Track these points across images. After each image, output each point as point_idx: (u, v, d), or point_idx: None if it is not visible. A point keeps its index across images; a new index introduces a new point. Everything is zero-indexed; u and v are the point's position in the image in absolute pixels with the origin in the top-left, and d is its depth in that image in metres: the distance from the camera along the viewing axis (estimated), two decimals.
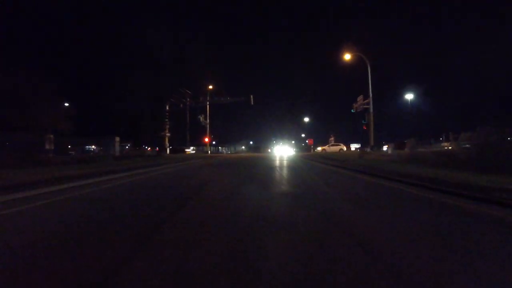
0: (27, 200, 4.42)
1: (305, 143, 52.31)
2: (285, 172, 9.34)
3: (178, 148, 33.18)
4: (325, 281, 1.68)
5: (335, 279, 1.69)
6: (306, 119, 56.49)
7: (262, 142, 77.05)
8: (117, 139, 21.67)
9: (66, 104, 29.83)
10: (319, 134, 61.56)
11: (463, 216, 3.25)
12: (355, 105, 25.69)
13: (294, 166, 12.48)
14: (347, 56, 23.17)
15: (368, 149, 19.60)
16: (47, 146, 16.80)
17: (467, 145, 11.19)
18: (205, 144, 39.73)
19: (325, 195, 4.74)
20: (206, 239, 2.46)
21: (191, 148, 39.97)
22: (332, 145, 33.86)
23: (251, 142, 78.94)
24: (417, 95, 35.77)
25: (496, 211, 3.41)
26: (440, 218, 3.20)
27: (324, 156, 22.03)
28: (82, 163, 13.13)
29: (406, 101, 35.38)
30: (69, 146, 21.18)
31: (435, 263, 1.92)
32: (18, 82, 16.31)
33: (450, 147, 16.85)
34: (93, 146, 24.50)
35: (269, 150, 57.49)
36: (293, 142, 71.80)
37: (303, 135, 65.94)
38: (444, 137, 27.89)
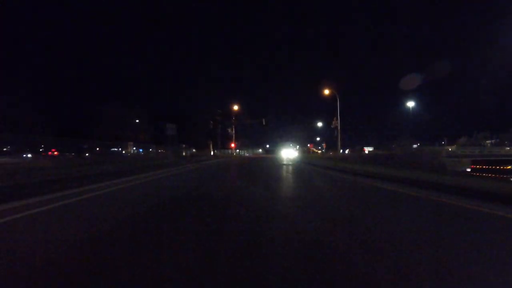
0: (190, 165, 18.53)
1: (308, 147, 65.24)
2: (273, 161, 23.03)
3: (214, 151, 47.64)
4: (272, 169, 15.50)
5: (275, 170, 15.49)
6: (320, 124, 69.35)
7: (276, 146, 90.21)
8: (183, 145, 36.24)
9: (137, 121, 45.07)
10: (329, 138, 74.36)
11: (339, 172, 16.73)
12: (333, 122, 38.70)
13: (278, 159, 26.21)
14: (326, 91, 36.25)
15: (332, 152, 32.73)
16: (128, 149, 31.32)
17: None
18: (231, 148, 54.00)
19: (279, 163, 18.45)
20: (254, 164, 16.30)
21: (222, 151, 54.42)
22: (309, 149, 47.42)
23: (267, 146, 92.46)
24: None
25: (346, 174, 16.96)
26: (320, 175, 16.78)
27: (300, 155, 35.40)
28: (176, 157, 27.32)
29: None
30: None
31: (310, 179, 15.61)
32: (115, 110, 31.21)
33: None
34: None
35: (281, 153, 70.32)
36: (308, 145, 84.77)
37: (318, 139, 78.65)
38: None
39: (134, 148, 27.20)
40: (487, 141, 72.20)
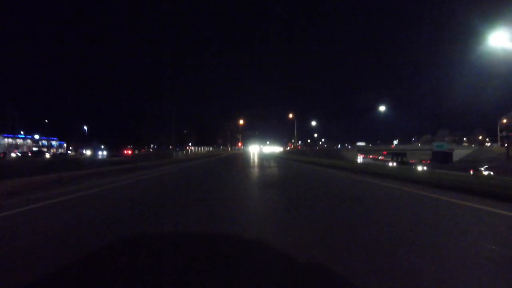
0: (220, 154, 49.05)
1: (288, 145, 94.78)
2: (261, 153, 53.38)
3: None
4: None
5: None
6: (314, 123, 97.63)
7: (274, 142, 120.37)
8: (215, 146, 66.36)
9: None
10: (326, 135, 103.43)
11: (289, 161, 47.00)
12: (296, 133, 68.66)
13: (264, 152, 56.71)
14: (290, 115, 66.16)
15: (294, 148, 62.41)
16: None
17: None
18: (239, 147, 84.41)
19: (247, 154, 48.91)
20: (251, 153, 46.74)
21: (233, 148, 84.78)
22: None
23: (267, 142, 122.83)
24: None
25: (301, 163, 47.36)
26: (275, 160, 47.10)
27: (280, 150, 65.40)
28: (219, 151, 57.54)
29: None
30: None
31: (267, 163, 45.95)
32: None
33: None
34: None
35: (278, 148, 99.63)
36: (288, 144, 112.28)
37: (316, 135, 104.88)
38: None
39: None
40: (446, 138, 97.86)
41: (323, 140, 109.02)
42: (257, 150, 75.34)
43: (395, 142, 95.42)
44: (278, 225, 3.31)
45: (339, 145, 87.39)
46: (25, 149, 57.45)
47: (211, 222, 3.40)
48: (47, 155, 39.63)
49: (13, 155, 38.78)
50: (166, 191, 6.27)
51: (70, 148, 73.55)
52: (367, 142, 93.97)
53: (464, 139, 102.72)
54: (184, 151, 38.79)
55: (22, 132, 63.69)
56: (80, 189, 6.22)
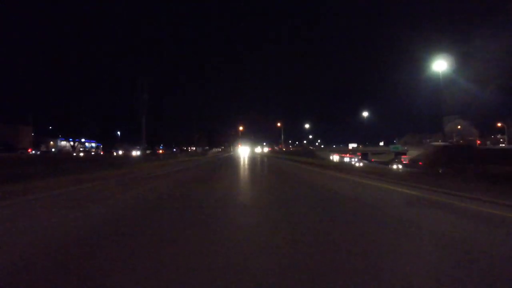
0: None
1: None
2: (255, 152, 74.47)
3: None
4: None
5: None
6: (307, 125, 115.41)
7: (269, 143, 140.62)
8: (222, 147, 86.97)
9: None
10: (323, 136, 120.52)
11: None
12: (282, 137, 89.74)
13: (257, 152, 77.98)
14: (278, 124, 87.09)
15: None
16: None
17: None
18: (238, 147, 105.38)
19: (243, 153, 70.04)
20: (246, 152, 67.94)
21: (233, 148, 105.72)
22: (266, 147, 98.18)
23: (264, 143, 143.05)
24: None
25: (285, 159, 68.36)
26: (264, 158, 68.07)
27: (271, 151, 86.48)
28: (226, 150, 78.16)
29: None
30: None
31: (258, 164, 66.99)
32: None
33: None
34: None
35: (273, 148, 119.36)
36: (303, 143, 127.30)
37: (310, 136, 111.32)
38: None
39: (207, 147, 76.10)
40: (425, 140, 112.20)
41: (319, 141, 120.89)
42: (249, 150, 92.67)
43: (381, 143, 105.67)
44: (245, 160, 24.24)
45: (334, 146, 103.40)
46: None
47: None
48: (114, 153, 59.88)
49: (92, 153, 59.16)
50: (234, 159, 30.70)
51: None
52: (359, 143, 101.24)
53: (439, 140, 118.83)
54: (210, 151, 59.52)
55: (59, 136, 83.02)
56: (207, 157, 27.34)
